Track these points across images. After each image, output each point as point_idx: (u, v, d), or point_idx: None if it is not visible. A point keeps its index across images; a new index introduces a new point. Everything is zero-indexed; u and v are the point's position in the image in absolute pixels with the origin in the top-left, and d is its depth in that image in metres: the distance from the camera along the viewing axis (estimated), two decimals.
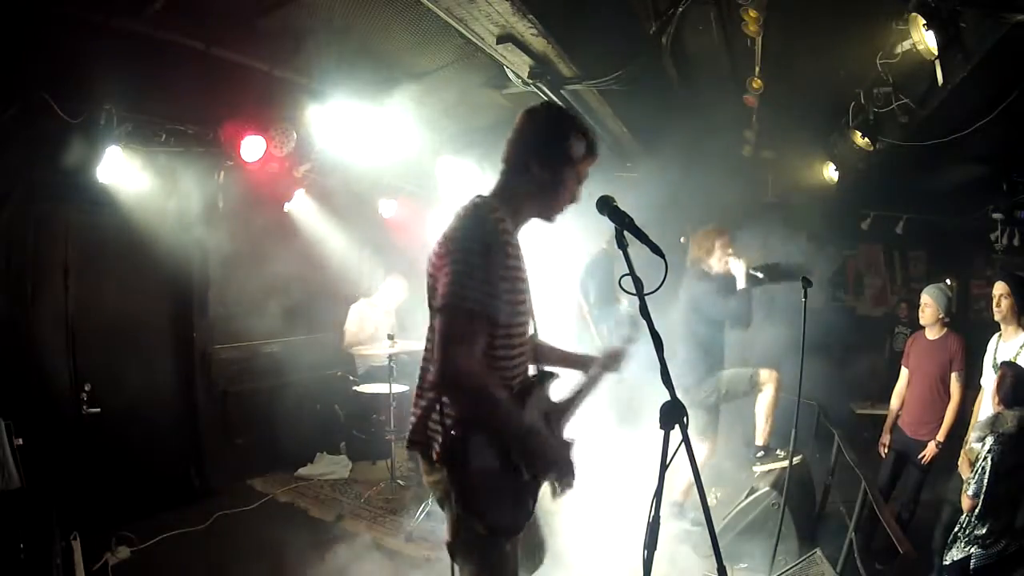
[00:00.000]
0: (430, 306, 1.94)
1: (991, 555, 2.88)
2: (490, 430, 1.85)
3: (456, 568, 1.99)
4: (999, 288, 3.43)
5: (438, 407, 1.89)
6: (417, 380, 2.00)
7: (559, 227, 2.29)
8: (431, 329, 1.93)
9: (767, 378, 4.19)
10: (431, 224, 6.45)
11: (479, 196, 2.03)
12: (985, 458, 2.90)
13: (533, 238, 2.25)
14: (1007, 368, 3.10)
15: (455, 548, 1.95)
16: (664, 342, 1.65)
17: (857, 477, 3.44)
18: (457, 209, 1.98)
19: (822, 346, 5.42)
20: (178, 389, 4.82)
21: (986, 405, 3.39)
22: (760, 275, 4.18)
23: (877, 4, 3.38)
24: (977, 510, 2.89)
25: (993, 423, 2.96)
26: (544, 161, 2.00)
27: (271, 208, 5.18)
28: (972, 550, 2.92)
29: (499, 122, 5.53)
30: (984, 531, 2.89)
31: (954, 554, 3.00)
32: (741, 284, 4.11)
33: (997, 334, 3.52)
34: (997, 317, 3.46)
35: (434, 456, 1.88)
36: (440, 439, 1.87)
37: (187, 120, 4.06)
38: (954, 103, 3.46)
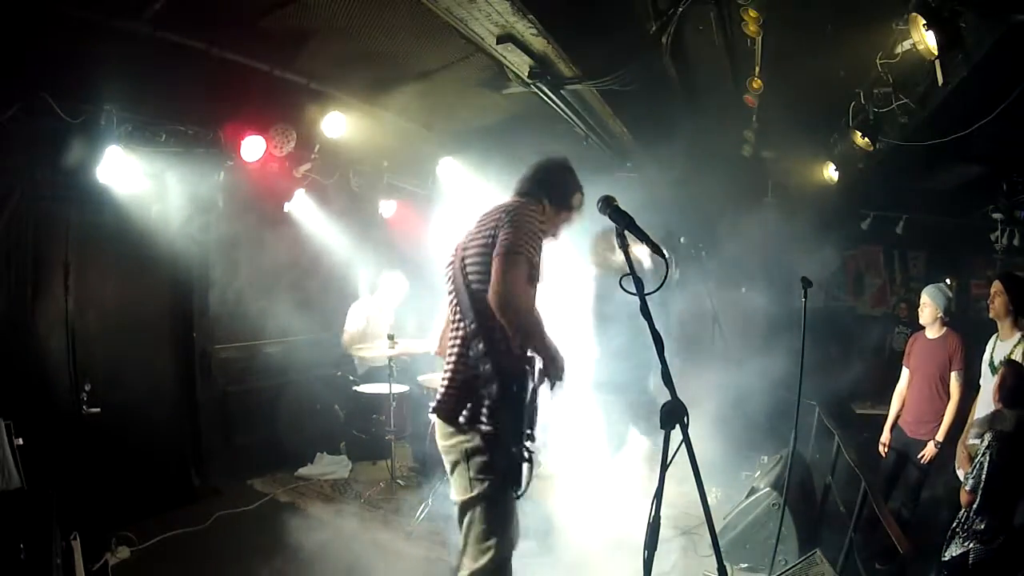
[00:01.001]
0: (466, 282, 2.39)
1: (990, 551, 2.89)
2: (535, 340, 2.31)
3: (467, 523, 2.36)
4: (994, 287, 3.49)
5: (473, 379, 2.34)
6: (450, 357, 2.43)
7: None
8: (459, 314, 2.41)
9: None
10: (431, 224, 6.47)
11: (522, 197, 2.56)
12: (984, 453, 2.91)
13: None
14: (1009, 368, 3.11)
15: (470, 504, 2.34)
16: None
17: (857, 477, 3.44)
18: (506, 202, 2.49)
19: (821, 346, 5.43)
20: (178, 389, 4.82)
21: (983, 405, 3.40)
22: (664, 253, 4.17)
23: (877, 4, 3.38)
24: (975, 504, 2.90)
25: (992, 420, 2.97)
26: (553, 202, 2.58)
27: (271, 208, 5.18)
28: (971, 545, 2.93)
29: (499, 122, 5.54)
30: (983, 527, 2.89)
31: (952, 550, 3.00)
32: (648, 264, 4.06)
33: (995, 335, 3.54)
34: (991, 314, 3.50)
35: (461, 420, 2.33)
36: (469, 406, 2.32)
37: (187, 120, 4.06)
38: (954, 103, 3.46)
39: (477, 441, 2.31)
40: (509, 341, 2.30)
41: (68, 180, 3.72)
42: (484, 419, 2.31)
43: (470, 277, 2.38)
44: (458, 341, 2.41)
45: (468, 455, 2.33)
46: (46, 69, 3.30)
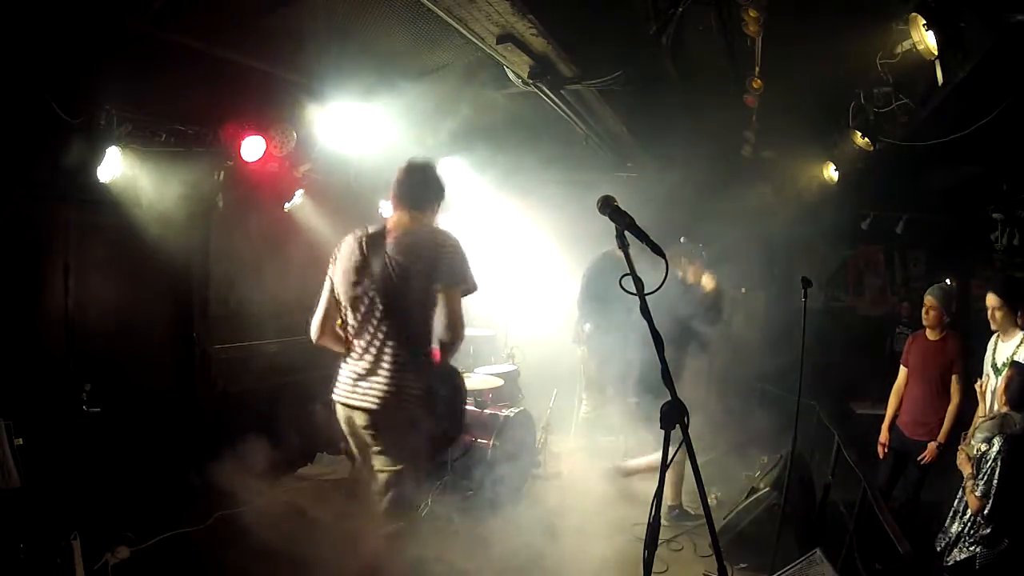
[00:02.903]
0: (405, 288, 2.74)
1: (996, 554, 2.88)
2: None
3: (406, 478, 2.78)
4: (991, 300, 3.43)
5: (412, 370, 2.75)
6: (394, 353, 2.74)
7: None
8: (383, 317, 2.76)
9: None
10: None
11: (439, 226, 2.96)
12: (995, 459, 2.89)
13: None
14: (1015, 370, 3.09)
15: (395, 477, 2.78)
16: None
17: (857, 477, 3.44)
18: (432, 230, 2.91)
19: (822, 346, 5.43)
20: (178, 389, 4.81)
21: (987, 404, 3.39)
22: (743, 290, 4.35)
23: (877, 4, 3.38)
24: (987, 510, 2.88)
25: (1001, 424, 2.95)
26: (436, 205, 3.01)
27: (271, 208, 5.17)
28: (977, 550, 2.91)
29: (499, 122, 5.53)
30: (990, 531, 2.88)
31: (956, 555, 2.99)
32: (711, 288, 4.48)
33: (996, 335, 3.52)
34: (993, 327, 3.47)
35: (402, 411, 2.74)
36: (418, 392, 2.75)
37: (187, 120, 4.06)
38: (954, 103, 3.45)
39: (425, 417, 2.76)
40: (431, 352, 2.79)
41: (68, 180, 3.71)
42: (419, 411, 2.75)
43: (413, 296, 2.73)
44: (390, 349, 2.74)
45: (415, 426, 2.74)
46: (46, 69, 3.30)
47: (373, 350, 2.77)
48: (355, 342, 2.82)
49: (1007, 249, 5.96)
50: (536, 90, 4.03)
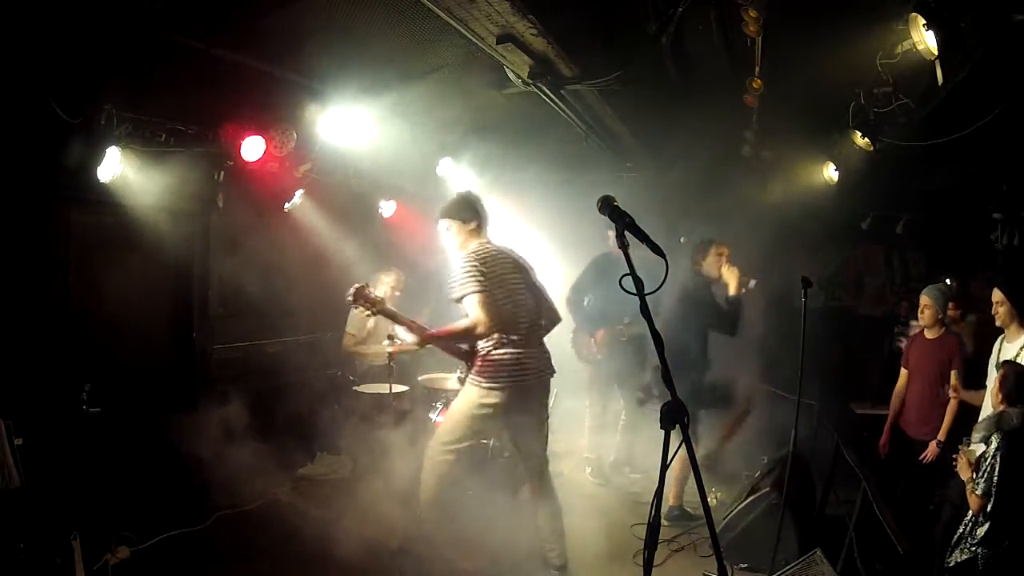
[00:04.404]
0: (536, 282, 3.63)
1: (997, 554, 2.87)
2: None
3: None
4: (996, 295, 3.42)
5: None
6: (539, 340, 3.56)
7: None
8: (531, 309, 3.49)
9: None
10: (432, 224, 6.46)
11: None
12: (994, 456, 2.88)
13: None
14: (1008, 367, 3.09)
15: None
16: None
17: (857, 477, 3.44)
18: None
19: (822, 347, 5.42)
20: (178, 389, 4.81)
21: (987, 405, 3.39)
22: (752, 283, 4.30)
23: (877, 4, 3.38)
24: (988, 508, 2.87)
25: (998, 421, 2.94)
26: None
27: (271, 208, 5.18)
28: (979, 551, 2.90)
29: (499, 122, 5.55)
30: (991, 531, 2.87)
31: (957, 556, 2.97)
32: (732, 292, 4.31)
33: (1001, 336, 3.50)
34: (997, 323, 3.46)
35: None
36: None
37: (187, 120, 4.06)
38: (954, 103, 3.46)
39: None
40: None
41: (68, 180, 3.71)
42: None
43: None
44: (541, 332, 3.53)
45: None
46: (46, 69, 3.30)
47: (533, 335, 3.48)
48: (522, 332, 3.39)
49: (1007, 249, 5.95)
50: (536, 90, 4.03)
